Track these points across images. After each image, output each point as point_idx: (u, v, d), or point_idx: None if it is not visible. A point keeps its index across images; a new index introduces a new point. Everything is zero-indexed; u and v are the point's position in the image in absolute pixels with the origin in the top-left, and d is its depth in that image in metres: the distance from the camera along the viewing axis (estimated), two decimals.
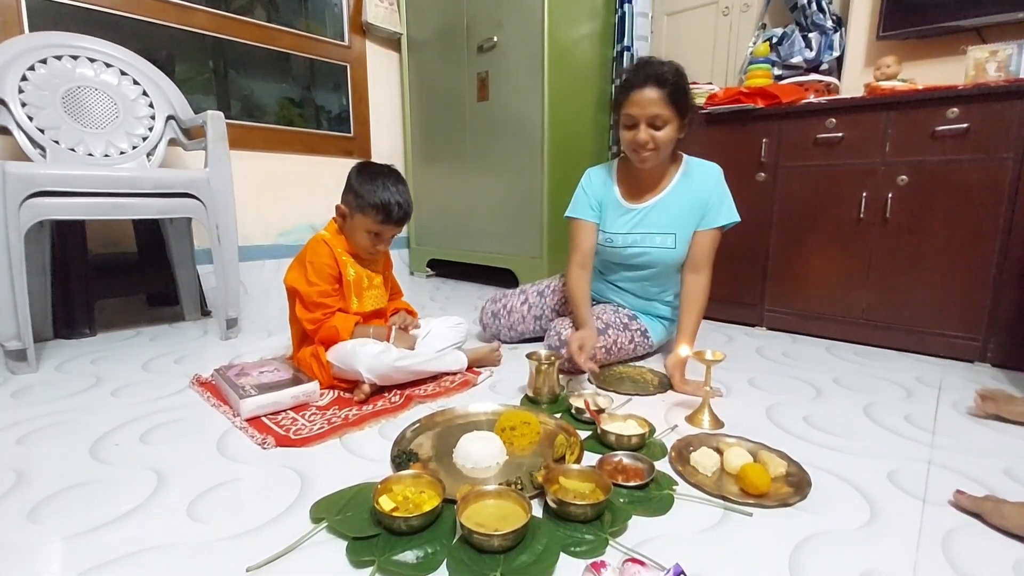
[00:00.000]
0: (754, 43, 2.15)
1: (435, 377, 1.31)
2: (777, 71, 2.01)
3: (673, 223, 1.39)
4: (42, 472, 0.87)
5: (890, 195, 1.56)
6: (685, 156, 1.44)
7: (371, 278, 1.34)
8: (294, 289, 1.26)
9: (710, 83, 2.01)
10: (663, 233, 1.39)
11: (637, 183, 1.44)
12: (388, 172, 1.29)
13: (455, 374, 1.34)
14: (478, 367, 1.40)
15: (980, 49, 1.52)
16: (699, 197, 1.37)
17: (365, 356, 1.16)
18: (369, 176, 1.26)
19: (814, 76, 1.88)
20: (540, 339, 1.60)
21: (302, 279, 1.24)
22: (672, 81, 1.26)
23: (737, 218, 1.38)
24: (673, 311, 1.52)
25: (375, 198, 1.23)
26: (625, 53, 2.42)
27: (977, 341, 1.49)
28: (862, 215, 1.61)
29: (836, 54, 1.96)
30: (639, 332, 1.46)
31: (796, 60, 1.98)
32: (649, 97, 1.27)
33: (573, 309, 1.42)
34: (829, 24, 1.95)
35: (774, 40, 2.04)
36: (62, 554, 0.67)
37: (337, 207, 1.29)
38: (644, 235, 1.42)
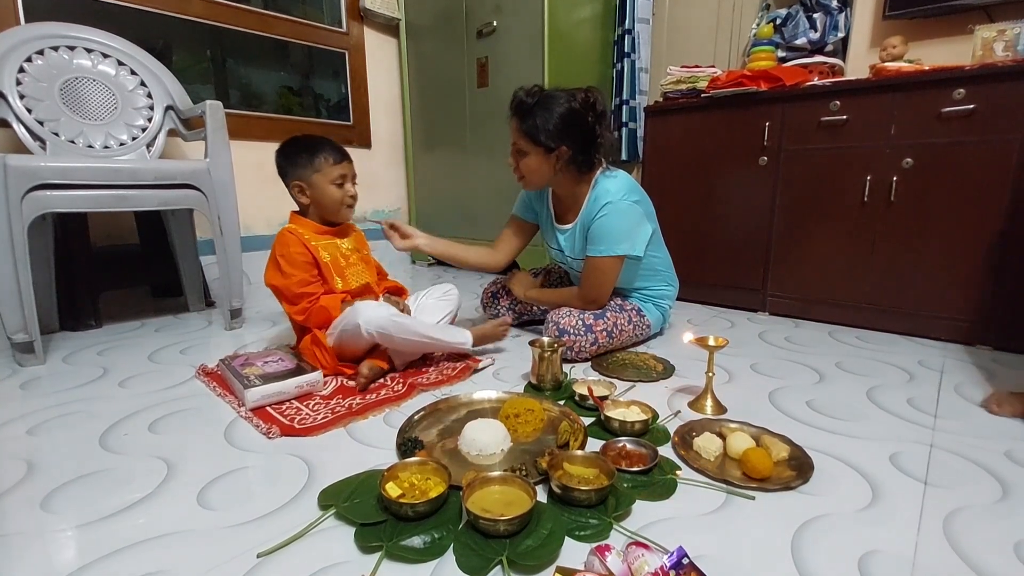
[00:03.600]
0: (757, 24, 2.11)
1: (437, 364, 1.32)
2: (781, 53, 1.98)
3: (582, 250, 1.43)
4: (53, 462, 0.88)
5: (895, 178, 1.54)
6: (595, 181, 1.40)
7: (347, 256, 1.34)
8: (275, 287, 1.27)
9: (712, 66, 1.99)
10: (579, 258, 1.44)
11: (561, 205, 1.49)
12: (307, 135, 1.32)
13: (459, 356, 1.34)
14: (484, 342, 1.40)
15: (988, 28, 1.49)
16: (586, 229, 1.40)
17: (364, 307, 1.17)
18: (296, 144, 1.29)
19: (818, 58, 1.85)
20: (539, 321, 1.61)
21: (278, 274, 1.25)
22: (530, 116, 1.30)
23: (613, 253, 1.36)
24: (660, 293, 1.55)
25: (317, 152, 1.26)
26: (627, 36, 2.38)
27: (980, 324, 1.49)
28: (866, 199, 1.60)
29: (841, 35, 1.92)
30: (634, 311, 1.47)
31: (800, 41, 1.95)
32: (511, 125, 1.36)
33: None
34: (834, 4, 1.92)
35: (778, 21, 2.01)
36: (75, 542, 0.69)
37: (293, 187, 1.30)
38: (571, 259, 1.49)
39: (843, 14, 1.92)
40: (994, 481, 0.83)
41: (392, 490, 0.72)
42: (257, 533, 0.70)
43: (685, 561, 0.57)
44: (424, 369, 1.30)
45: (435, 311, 1.41)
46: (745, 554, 0.66)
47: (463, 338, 1.33)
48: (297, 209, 1.35)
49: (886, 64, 1.61)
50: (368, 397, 1.14)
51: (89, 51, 1.68)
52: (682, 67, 1.98)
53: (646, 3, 2.38)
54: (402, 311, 1.36)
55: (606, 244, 1.35)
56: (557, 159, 1.34)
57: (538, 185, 1.43)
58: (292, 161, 1.28)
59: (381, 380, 1.23)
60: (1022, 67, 1.35)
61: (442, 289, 1.47)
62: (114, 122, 1.67)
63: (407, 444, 0.91)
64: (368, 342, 1.20)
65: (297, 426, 1.00)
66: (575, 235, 1.45)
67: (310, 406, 1.09)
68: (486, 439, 0.90)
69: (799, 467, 0.84)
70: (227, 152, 1.63)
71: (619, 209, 1.35)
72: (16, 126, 1.52)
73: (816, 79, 1.73)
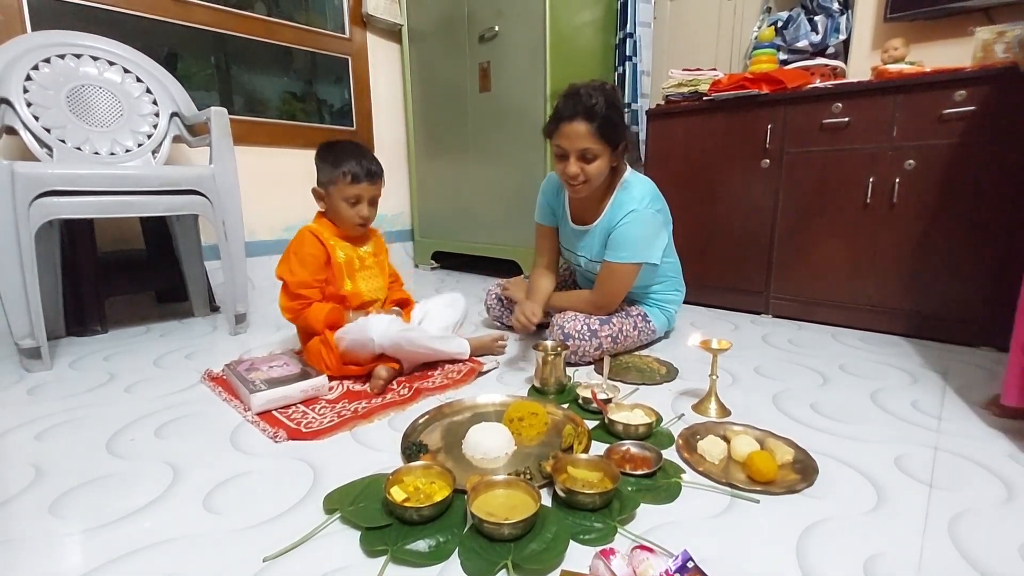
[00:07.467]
0: (759, 27, 2.12)
1: (442, 368, 1.32)
2: (782, 55, 1.98)
3: (600, 253, 1.41)
4: (61, 467, 0.89)
5: (897, 180, 1.54)
6: (623, 181, 1.39)
7: (363, 259, 1.36)
8: (282, 279, 1.30)
9: (714, 69, 1.99)
10: (597, 260, 1.43)
11: (579, 205, 1.46)
12: (347, 142, 1.33)
13: (459, 361, 1.35)
14: (481, 356, 1.41)
15: (988, 30, 1.49)
16: (609, 231, 1.38)
17: (376, 322, 1.20)
18: (330, 149, 1.30)
19: (820, 60, 1.86)
20: (544, 325, 1.61)
21: (287, 269, 1.28)
22: (602, 115, 1.23)
23: (633, 260, 1.35)
24: (667, 298, 1.55)
25: (340, 165, 1.27)
26: (628, 40, 2.39)
27: (983, 326, 1.48)
28: (868, 201, 1.60)
29: (843, 37, 1.93)
30: (640, 317, 1.47)
31: (802, 44, 1.96)
32: (578, 131, 1.25)
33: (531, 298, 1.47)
34: (835, 6, 1.92)
35: (779, 24, 2.01)
36: (83, 546, 0.69)
37: (313, 190, 1.34)
38: (589, 260, 1.47)
39: (844, 16, 1.92)
40: (999, 483, 0.82)
41: (397, 494, 0.73)
42: (263, 537, 0.70)
43: (690, 564, 0.57)
44: (429, 373, 1.30)
45: (441, 318, 1.42)
46: (750, 557, 0.66)
47: (462, 348, 1.36)
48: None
49: (887, 66, 1.61)
50: (374, 401, 1.14)
51: (95, 59, 1.69)
52: (684, 70, 1.99)
53: (647, 7, 2.39)
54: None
55: (628, 251, 1.35)
56: (620, 155, 1.31)
57: (594, 190, 1.35)
58: (319, 165, 1.31)
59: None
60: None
61: (449, 298, 1.48)
62: (120, 129, 1.69)
63: (412, 448, 0.91)
64: (378, 351, 1.21)
65: (303, 430, 1.00)
66: (594, 237, 1.43)
67: (316, 410, 1.10)
68: (490, 443, 0.90)
69: (803, 470, 0.84)
70: (232, 158, 1.64)
71: (643, 217, 1.34)
72: (23, 133, 1.53)
73: (818, 81, 1.74)
